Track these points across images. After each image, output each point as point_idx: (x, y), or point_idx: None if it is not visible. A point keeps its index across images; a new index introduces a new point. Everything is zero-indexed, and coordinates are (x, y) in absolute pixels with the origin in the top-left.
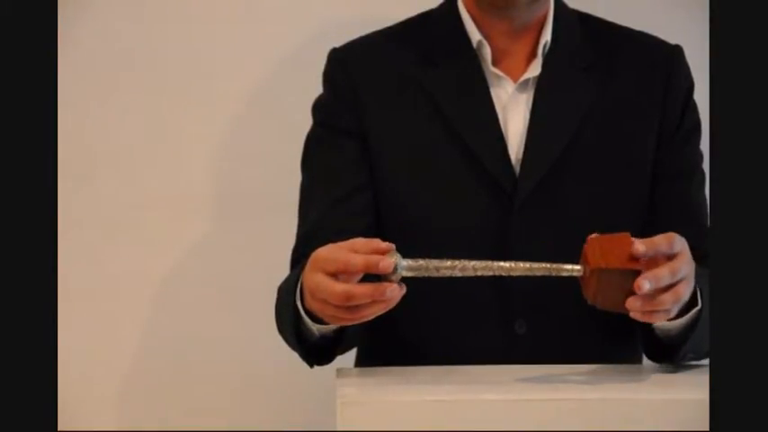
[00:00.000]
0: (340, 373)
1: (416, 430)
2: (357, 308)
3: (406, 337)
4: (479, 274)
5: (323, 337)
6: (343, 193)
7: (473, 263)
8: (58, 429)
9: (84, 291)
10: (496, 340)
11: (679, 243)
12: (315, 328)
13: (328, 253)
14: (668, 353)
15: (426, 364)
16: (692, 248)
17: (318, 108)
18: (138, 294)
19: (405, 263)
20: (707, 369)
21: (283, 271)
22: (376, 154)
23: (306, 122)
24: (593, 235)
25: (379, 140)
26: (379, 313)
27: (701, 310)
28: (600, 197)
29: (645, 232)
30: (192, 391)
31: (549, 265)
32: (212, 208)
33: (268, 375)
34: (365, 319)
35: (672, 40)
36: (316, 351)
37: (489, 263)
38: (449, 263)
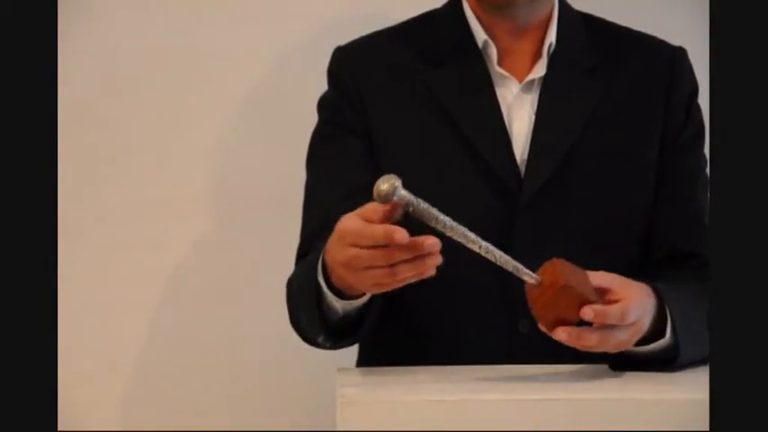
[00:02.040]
0: (340, 372)
1: (416, 430)
2: (396, 269)
3: (409, 337)
4: (457, 239)
5: (343, 318)
6: (349, 191)
7: (457, 226)
8: (60, 430)
9: (86, 292)
10: (500, 339)
11: (633, 315)
12: (339, 305)
13: (358, 230)
14: (631, 365)
15: (430, 363)
16: (695, 254)
17: (323, 106)
18: (140, 295)
19: (403, 191)
20: (707, 369)
21: (285, 270)
22: (380, 152)
23: (306, 121)
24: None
25: (383, 139)
26: (414, 279)
27: (675, 345)
28: (604, 198)
29: (648, 235)
30: (191, 390)
31: (515, 264)
32: (214, 207)
33: (268, 375)
34: (401, 284)
35: (673, 41)
36: (336, 334)
37: (472, 236)
38: (436, 213)
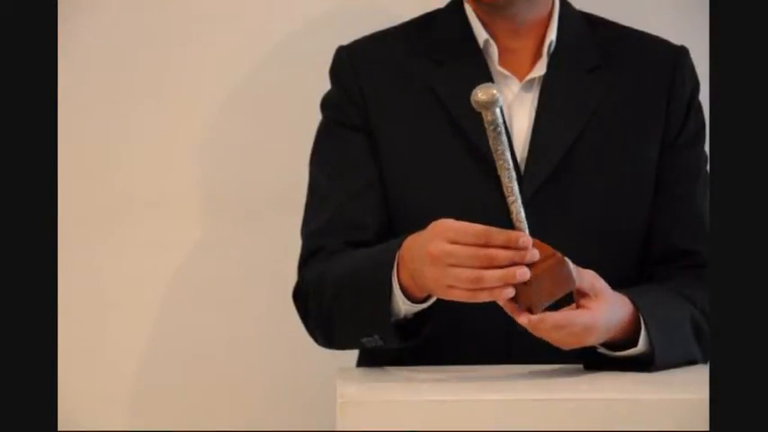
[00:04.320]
0: (340, 372)
1: (416, 430)
2: (483, 274)
3: None
4: (499, 173)
5: (398, 322)
6: (357, 188)
7: (511, 170)
8: (61, 430)
9: (88, 292)
10: (500, 339)
11: (576, 327)
12: (404, 307)
13: (463, 225)
14: (605, 366)
15: (430, 363)
16: (694, 251)
17: (327, 105)
18: (139, 296)
19: (498, 111)
20: (707, 369)
21: (286, 270)
22: (382, 151)
23: (301, 122)
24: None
25: (385, 138)
26: (489, 297)
27: (650, 352)
28: (604, 197)
29: (648, 234)
30: (190, 391)
31: (526, 231)
32: (215, 208)
33: (268, 375)
34: (475, 296)
35: (673, 41)
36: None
37: (514, 186)
38: (505, 148)
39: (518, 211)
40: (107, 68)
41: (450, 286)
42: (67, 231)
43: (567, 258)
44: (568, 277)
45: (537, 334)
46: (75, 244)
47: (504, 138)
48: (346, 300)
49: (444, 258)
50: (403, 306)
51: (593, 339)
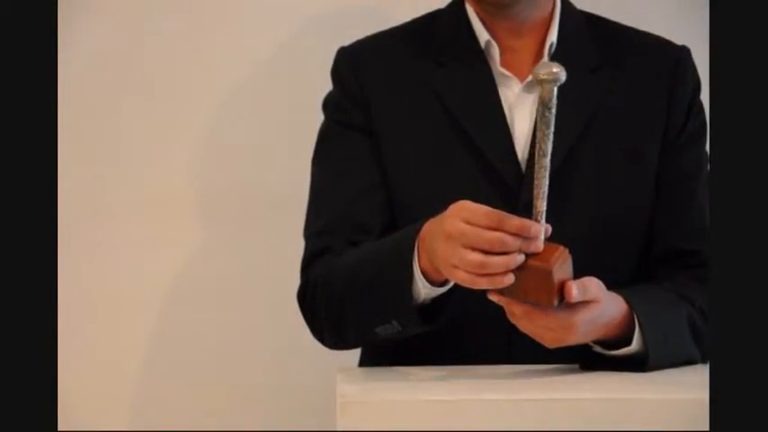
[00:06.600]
0: (340, 372)
1: (416, 430)
2: (488, 261)
3: (410, 338)
4: (536, 160)
5: (418, 307)
6: (361, 189)
7: (547, 163)
8: (61, 430)
9: (88, 292)
10: (498, 339)
11: (548, 320)
12: (424, 290)
13: (478, 207)
14: (600, 366)
15: (430, 363)
16: (695, 251)
17: (329, 105)
18: (139, 296)
19: (556, 90)
20: (707, 369)
21: (287, 270)
22: (384, 152)
23: (302, 122)
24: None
25: (387, 139)
26: (488, 285)
27: (644, 352)
28: (605, 196)
29: (649, 234)
30: (190, 391)
31: (541, 222)
32: (216, 208)
33: (268, 375)
34: (476, 281)
35: (675, 41)
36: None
37: (545, 172)
38: (550, 133)
39: (538, 198)
40: (107, 68)
41: (455, 266)
42: (67, 231)
43: (573, 283)
44: (548, 292)
45: (512, 320)
46: (75, 244)
47: (552, 120)
48: (363, 286)
49: (457, 237)
50: (423, 289)
51: (574, 338)
